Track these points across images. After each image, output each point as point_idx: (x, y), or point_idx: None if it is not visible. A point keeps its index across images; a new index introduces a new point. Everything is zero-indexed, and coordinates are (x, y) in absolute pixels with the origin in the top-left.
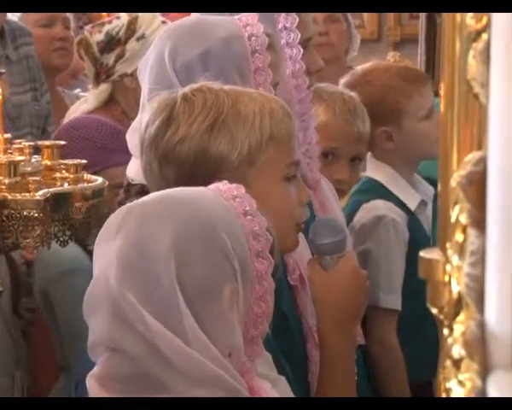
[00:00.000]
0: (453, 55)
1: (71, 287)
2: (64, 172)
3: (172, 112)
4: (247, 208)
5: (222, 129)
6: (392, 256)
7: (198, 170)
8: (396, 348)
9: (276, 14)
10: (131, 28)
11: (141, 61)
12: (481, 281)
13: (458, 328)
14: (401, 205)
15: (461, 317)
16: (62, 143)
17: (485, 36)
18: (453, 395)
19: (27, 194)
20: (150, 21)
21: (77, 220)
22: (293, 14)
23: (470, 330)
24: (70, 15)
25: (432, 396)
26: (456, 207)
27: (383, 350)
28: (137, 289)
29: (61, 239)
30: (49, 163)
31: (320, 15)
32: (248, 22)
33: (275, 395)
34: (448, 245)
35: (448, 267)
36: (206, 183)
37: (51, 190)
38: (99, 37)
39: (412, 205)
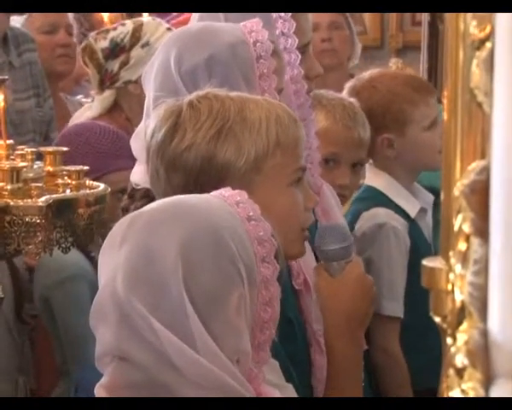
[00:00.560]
0: (456, 63)
1: (72, 293)
2: (66, 178)
3: (179, 119)
4: (251, 214)
5: (228, 136)
6: (393, 264)
7: (205, 177)
8: (398, 354)
9: (273, 20)
10: (136, 35)
11: (145, 67)
12: (484, 290)
13: (461, 337)
14: (401, 212)
15: (464, 326)
16: (65, 149)
17: (488, 44)
18: None
19: (29, 200)
20: (155, 29)
21: (79, 227)
22: (291, 20)
23: (473, 339)
24: (73, 22)
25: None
26: (460, 216)
27: (386, 357)
28: (145, 297)
29: (63, 245)
30: (51, 169)
31: (323, 22)
32: (253, 29)
33: None
34: (451, 254)
35: (451, 276)
36: (212, 189)
37: (53, 196)
38: (104, 43)
39: (412, 212)
